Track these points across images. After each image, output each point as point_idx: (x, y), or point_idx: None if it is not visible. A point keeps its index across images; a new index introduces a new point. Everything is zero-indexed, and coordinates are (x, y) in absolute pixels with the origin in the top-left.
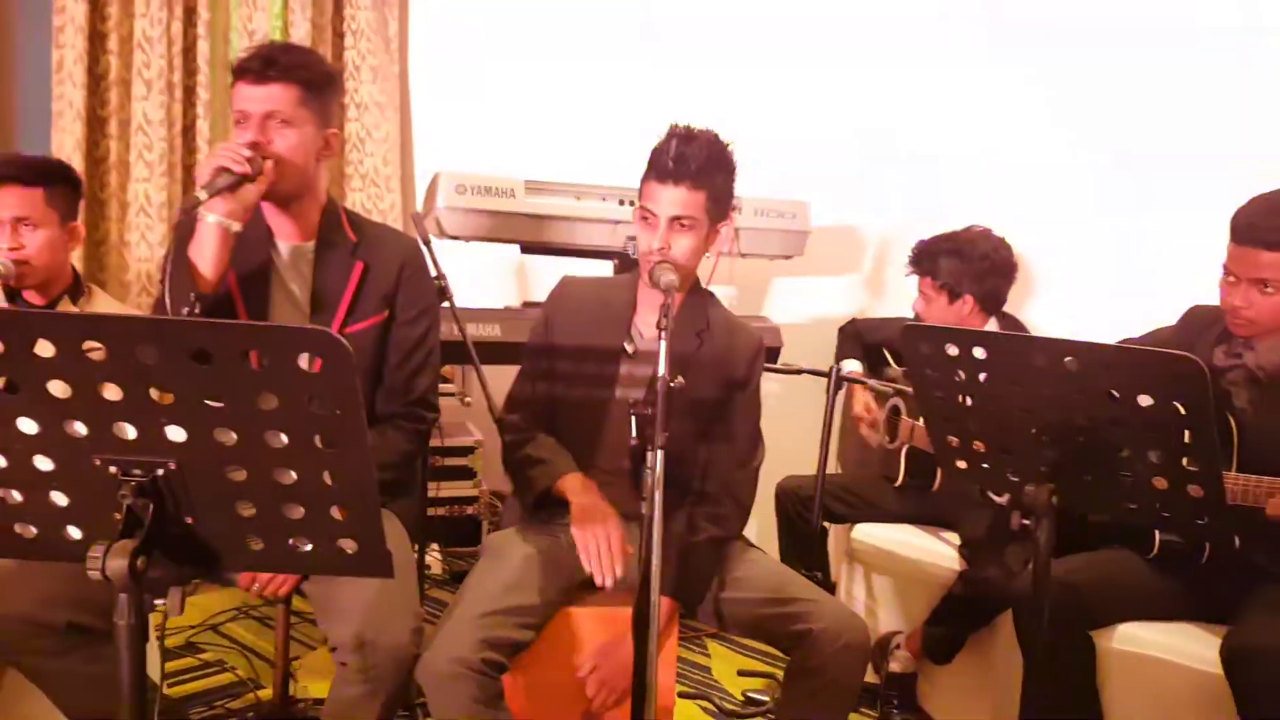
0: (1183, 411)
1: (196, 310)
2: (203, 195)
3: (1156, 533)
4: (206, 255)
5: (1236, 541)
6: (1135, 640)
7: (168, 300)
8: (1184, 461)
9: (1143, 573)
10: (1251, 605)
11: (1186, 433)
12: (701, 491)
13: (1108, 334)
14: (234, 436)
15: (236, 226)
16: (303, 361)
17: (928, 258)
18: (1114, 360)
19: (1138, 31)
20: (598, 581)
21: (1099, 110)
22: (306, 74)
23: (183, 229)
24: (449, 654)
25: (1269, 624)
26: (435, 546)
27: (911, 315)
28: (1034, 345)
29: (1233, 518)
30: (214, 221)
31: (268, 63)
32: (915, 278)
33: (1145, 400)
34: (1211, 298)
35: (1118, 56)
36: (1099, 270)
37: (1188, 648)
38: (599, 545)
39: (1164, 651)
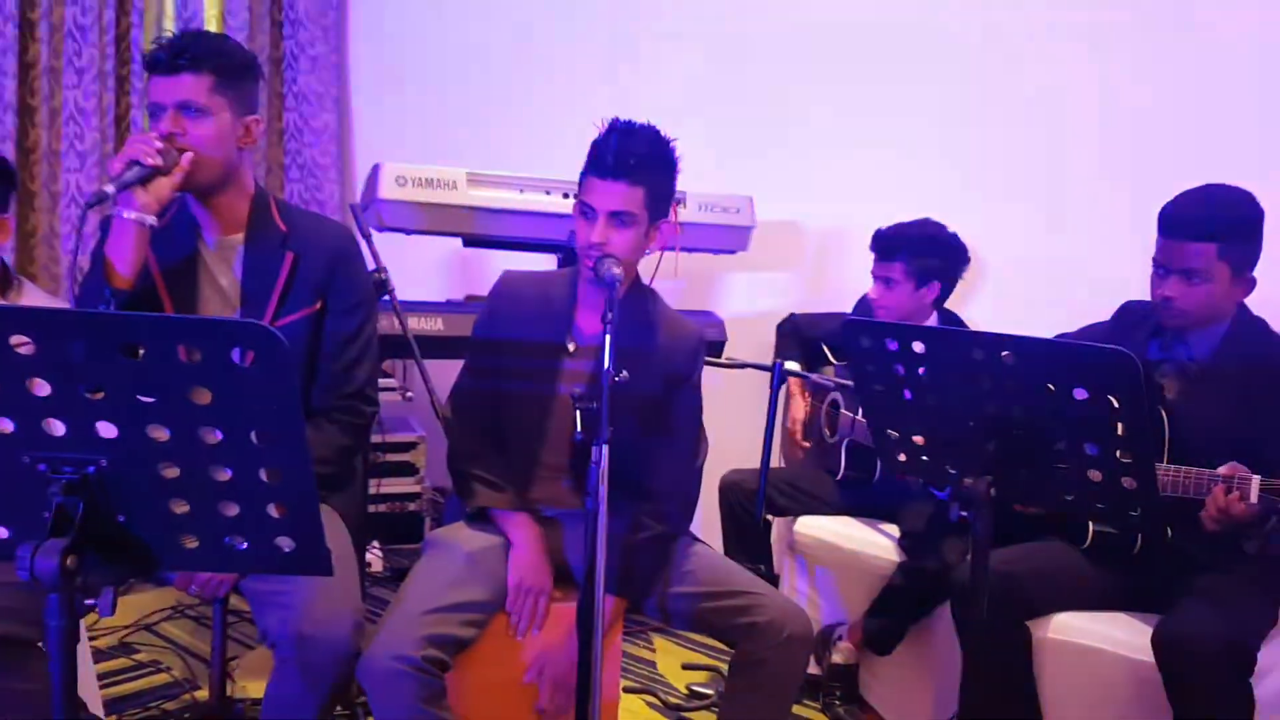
0: (1117, 405)
1: (111, 307)
2: (109, 189)
3: (1090, 524)
4: (122, 250)
5: (1169, 532)
6: (1070, 629)
7: (76, 297)
8: (1118, 454)
9: (1077, 563)
10: (1183, 594)
11: (1120, 426)
12: (646, 488)
13: (1041, 330)
14: (166, 433)
15: (151, 220)
16: (234, 355)
17: (901, 243)
18: (1050, 355)
19: (1064, 26)
20: (513, 634)
21: (1035, 109)
22: (219, 61)
23: (105, 225)
24: (391, 652)
25: (1199, 612)
26: (376, 544)
27: (850, 310)
28: (972, 340)
29: (1165, 509)
30: (128, 216)
31: (177, 52)
32: (865, 268)
33: (1081, 394)
34: (1143, 294)
35: (1044, 54)
36: (1033, 267)
37: (1121, 636)
38: (527, 605)
39: (1098, 640)
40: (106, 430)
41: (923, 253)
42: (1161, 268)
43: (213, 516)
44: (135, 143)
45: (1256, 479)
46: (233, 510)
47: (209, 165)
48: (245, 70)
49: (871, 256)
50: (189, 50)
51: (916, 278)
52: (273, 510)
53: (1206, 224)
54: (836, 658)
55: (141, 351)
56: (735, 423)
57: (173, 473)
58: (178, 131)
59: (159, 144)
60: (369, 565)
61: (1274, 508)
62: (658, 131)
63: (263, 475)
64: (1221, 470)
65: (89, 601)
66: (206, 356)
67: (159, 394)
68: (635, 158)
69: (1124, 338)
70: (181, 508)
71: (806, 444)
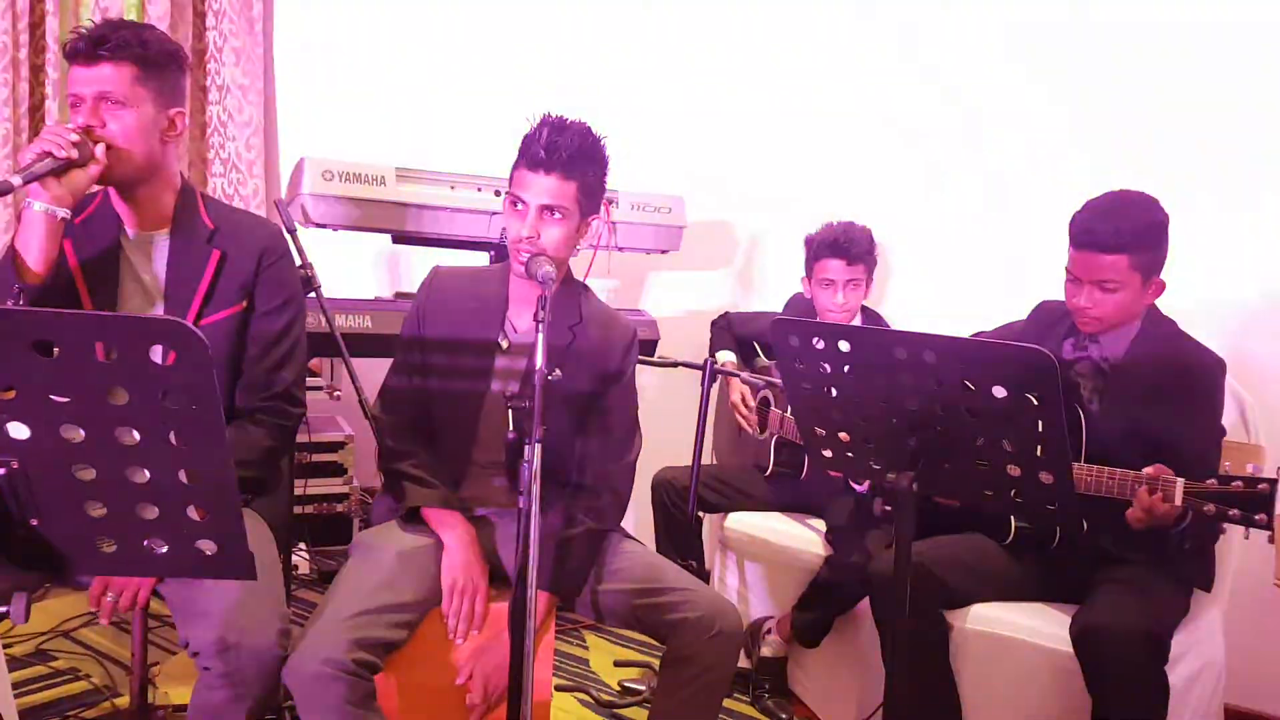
0: (1035, 402)
1: (21, 302)
2: (15, 180)
3: (1012, 520)
4: (32, 243)
5: (1084, 525)
6: (988, 620)
7: None
8: (1036, 450)
9: (996, 555)
10: (1099, 586)
11: (1038, 422)
12: (579, 484)
13: (959, 327)
14: (81, 433)
15: (64, 213)
16: (155, 354)
17: (864, 245)
18: (970, 354)
19: (990, 27)
20: (452, 637)
21: (955, 107)
22: (141, 51)
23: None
24: (319, 655)
25: (1114, 603)
26: (303, 545)
27: (781, 308)
28: (895, 339)
29: (1086, 506)
30: (39, 209)
31: (97, 42)
32: (795, 268)
33: (1000, 391)
34: (1060, 293)
35: (964, 51)
36: (951, 264)
37: (1039, 626)
38: (463, 606)
39: (1016, 631)
40: (18, 431)
41: (871, 255)
42: (1075, 279)
43: (131, 519)
44: (49, 134)
45: (1180, 481)
46: (152, 513)
47: (128, 158)
48: (169, 60)
49: (830, 260)
50: (109, 40)
51: (867, 280)
52: (193, 513)
53: (1116, 236)
54: (765, 650)
55: (56, 350)
56: (668, 421)
57: (88, 474)
58: (96, 123)
59: (74, 136)
60: (296, 568)
61: (1199, 510)
62: (589, 127)
63: (182, 476)
64: (1146, 471)
65: (1, 609)
66: (124, 355)
67: (73, 393)
68: (567, 151)
69: (1040, 337)
70: (98, 510)
71: (752, 415)
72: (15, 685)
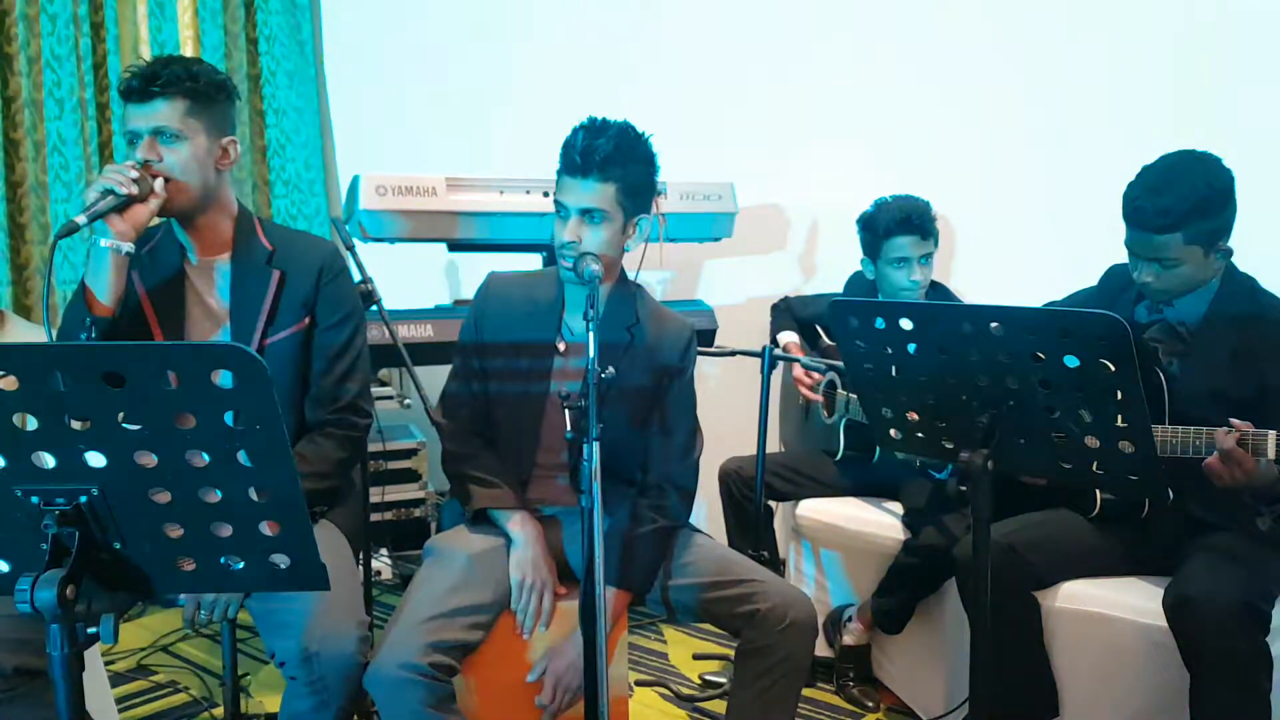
0: (1111, 369)
1: (92, 335)
2: (80, 220)
3: (1097, 493)
4: (100, 279)
5: (1170, 494)
6: (1079, 598)
7: (59, 327)
8: (1115, 419)
9: (1083, 531)
10: (1190, 555)
11: (1115, 390)
12: (644, 483)
13: (1031, 298)
14: (154, 458)
15: (128, 248)
16: (217, 378)
17: (930, 220)
18: (1038, 323)
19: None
20: (522, 632)
21: (1014, 81)
22: (192, 84)
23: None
24: (396, 660)
25: (1208, 572)
26: (384, 551)
27: (841, 289)
28: (959, 313)
29: (1165, 472)
30: (104, 245)
31: (149, 79)
32: (850, 248)
33: (1072, 361)
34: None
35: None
36: (1020, 234)
37: (1131, 601)
38: (533, 601)
39: (1108, 607)
40: (95, 459)
41: (935, 230)
42: (1134, 255)
43: (207, 538)
44: (110, 171)
45: (1272, 434)
46: (226, 531)
47: (186, 190)
48: (219, 91)
49: (901, 238)
50: (160, 77)
51: (932, 255)
52: (266, 528)
53: (1165, 216)
54: (847, 639)
55: (125, 380)
56: (731, 410)
57: (164, 497)
58: (153, 158)
59: (134, 172)
60: (379, 574)
61: None
62: (629, 127)
63: (253, 494)
64: (1232, 424)
65: (90, 630)
66: (187, 381)
67: (143, 421)
68: (602, 154)
69: (1112, 302)
70: (175, 531)
71: (815, 393)
72: (119, 700)
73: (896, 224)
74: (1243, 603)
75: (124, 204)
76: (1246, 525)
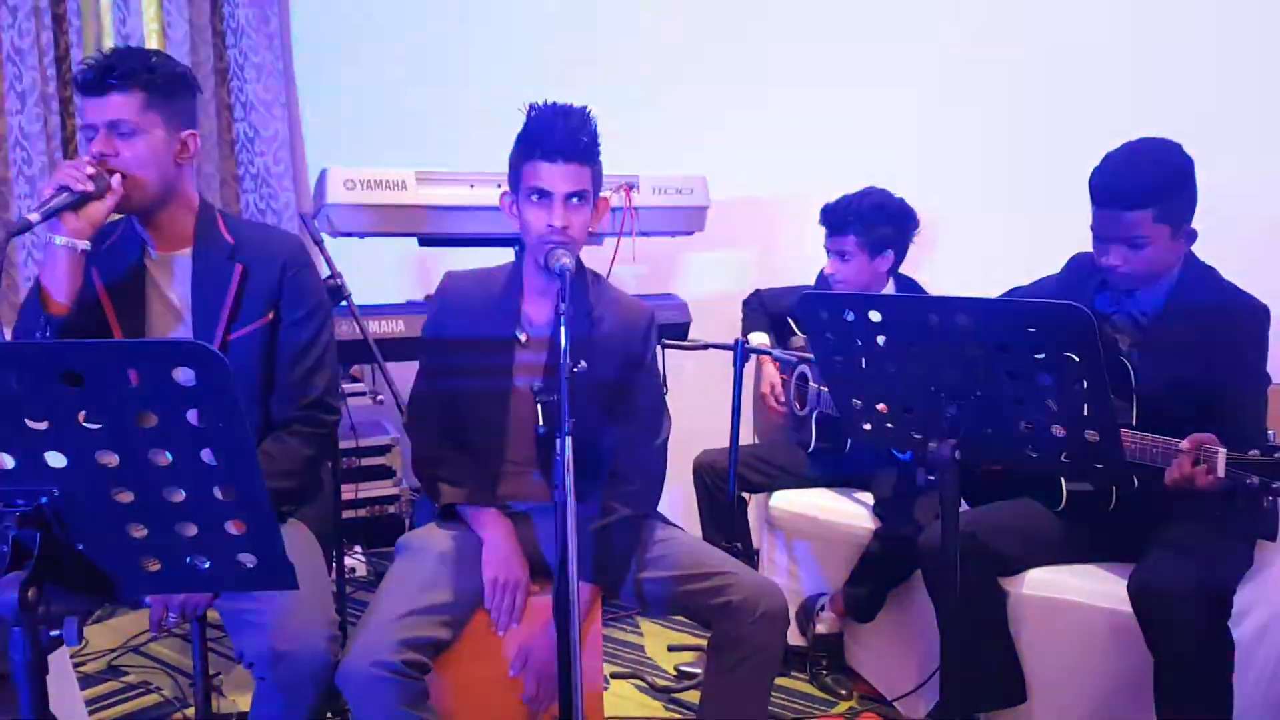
0: (1075, 359)
1: (48, 334)
2: (34, 217)
3: (1064, 486)
4: (55, 277)
5: (1135, 481)
6: (1045, 584)
7: (14, 326)
8: (1080, 408)
9: (1048, 518)
10: (1154, 542)
11: (1080, 380)
12: (612, 472)
13: (995, 285)
14: (116, 458)
15: (84, 246)
16: (178, 376)
17: (851, 216)
18: (1004, 314)
19: None
20: (495, 629)
21: (979, 72)
22: (149, 77)
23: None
24: (368, 658)
25: (1171, 559)
26: (358, 549)
27: (813, 283)
28: (926, 305)
29: (1130, 463)
30: (60, 243)
31: (105, 71)
32: (821, 243)
33: (1038, 351)
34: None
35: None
36: (983, 224)
37: (1096, 588)
38: (505, 600)
39: (1073, 593)
40: (55, 460)
41: (873, 222)
42: (1101, 238)
43: (172, 538)
44: (65, 168)
45: (1223, 452)
46: (191, 530)
47: (143, 185)
48: (178, 84)
49: (823, 231)
50: (116, 69)
51: (869, 249)
52: (231, 528)
53: (1137, 191)
54: (820, 628)
55: (84, 378)
56: (706, 403)
57: (127, 497)
58: (109, 152)
59: (90, 169)
60: (353, 570)
61: (1241, 480)
62: (588, 110)
63: (217, 493)
64: (1184, 444)
65: (54, 633)
66: (147, 379)
67: (103, 419)
68: (586, 136)
69: (1074, 291)
70: (140, 531)
71: (783, 407)
72: (89, 701)
73: (822, 217)
74: (1205, 588)
75: (79, 201)
76: (1210, 513)
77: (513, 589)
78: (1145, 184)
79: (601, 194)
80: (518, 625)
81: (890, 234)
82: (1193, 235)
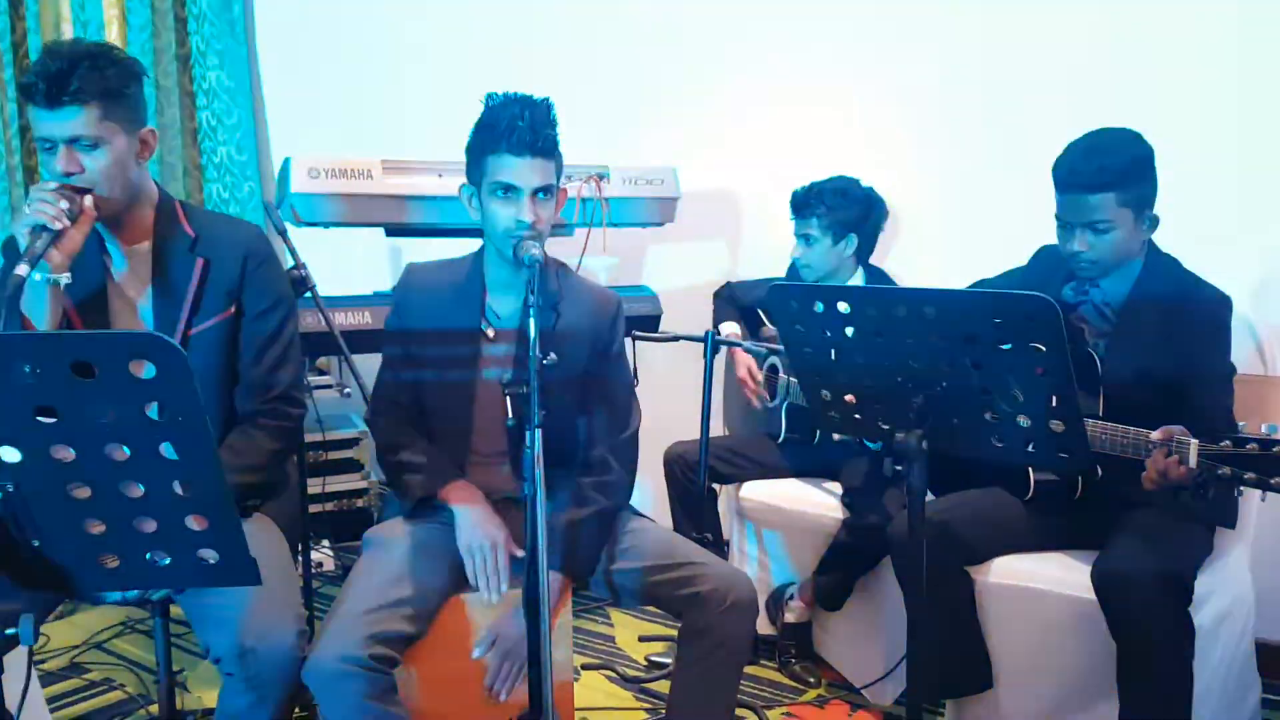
0: (1041, 349)
1: None
2: (24, 270)
3: (1031, 476)
4: (38, 311)
5: (1099, 470)
6: (1011, 572)
7: None
8: (1047, 399)
9: (1014, 507)
10: (1118, 530)
11: (1046, 370)
12: (584, 463)
13: (963, 277)
14: (72, 453)
15: (66, 279)
16: (136, 369)
17: (814, 199)
18: (970, 306)
19: None
20: (483, 598)
21: (947, 63)
22: (102, 85)
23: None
24: (336, 652)
25: (1134, 547)
26: (326, 543)
27: (784, 274)
28: (894, 297)
29: (1098, 459)
30: (43, 280)
31: (58, 85)
32: (790, 230)
33: (1004, 342)
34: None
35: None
36: (952, 217)
37: (1061, 575)
38: (489, 559)
39: (1038, 581)
40: (10, 454)
41: (836, 206)
42: (1066, 224)
43: (130, 534)
44: (38, 203)
45: (1195, 443)
46: (150, 526)
47: (112, 196)
48: (129, 82)
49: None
50: (71, 83)
51: (833, 232)
52: (192, 523)
53: (1100, 174)
54: (789, 616)
55: (37, 370)
56: (677, 395)
57: (84, 493)
58: (74, 170)
59: (63, 201)
60: (320, 565)
61: (1213, 471)
62: (548, 99)
63: (177, 488)
64: (1155, 435)
65: (9, 631)
66: (105, 372)
67: (60, 414)
68: (551, 129)
69: (1040, 282)
70: (97, 527)
71: (761, 389)
72: (50, 700)
73: (790, 200)
74: (1167, 575)
75: (59, 236)
76: (1178, 503)
77: (493, 548)
78: (1108, 168)
79: (560, 185)
80: (505, 589)
81: (852, 218)
82: (1155, 221)
